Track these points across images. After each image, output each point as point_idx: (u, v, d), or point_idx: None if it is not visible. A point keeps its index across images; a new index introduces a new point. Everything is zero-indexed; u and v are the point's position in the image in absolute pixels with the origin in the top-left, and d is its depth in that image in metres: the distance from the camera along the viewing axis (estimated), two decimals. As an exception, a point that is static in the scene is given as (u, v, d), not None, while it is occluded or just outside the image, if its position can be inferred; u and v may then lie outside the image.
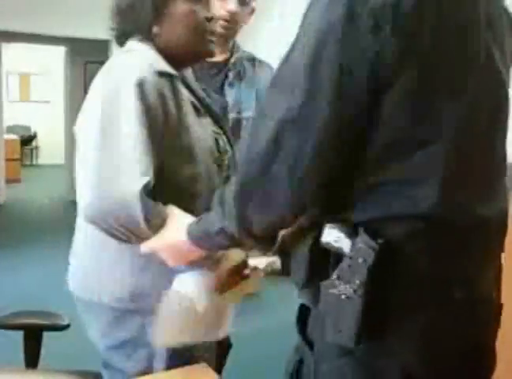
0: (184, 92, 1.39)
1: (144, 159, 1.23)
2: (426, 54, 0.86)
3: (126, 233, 1.24)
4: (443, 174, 0.91)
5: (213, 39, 1.45)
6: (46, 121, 11.27)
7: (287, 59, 0.90)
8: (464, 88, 0.92)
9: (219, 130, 1.54)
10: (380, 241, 0.90)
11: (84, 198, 1.26)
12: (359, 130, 0.89)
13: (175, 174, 1.34)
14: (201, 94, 1.56)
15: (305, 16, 0.90)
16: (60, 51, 8.80)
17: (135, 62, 1.30)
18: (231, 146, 1.56)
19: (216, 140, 1.49)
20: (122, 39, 1.43)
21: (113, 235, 1.26)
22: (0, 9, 5.74)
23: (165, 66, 1.34)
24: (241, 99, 2.02)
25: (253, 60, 2.14)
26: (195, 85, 1.55)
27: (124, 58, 1.36)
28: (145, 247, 1.24)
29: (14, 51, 9.95)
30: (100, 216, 1.23)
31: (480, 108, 0.95)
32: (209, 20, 1.43)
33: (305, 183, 0.90)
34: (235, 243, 1.07)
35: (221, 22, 1.99)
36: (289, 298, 1.22)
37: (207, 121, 1.48)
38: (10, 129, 10.37)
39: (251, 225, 0.97)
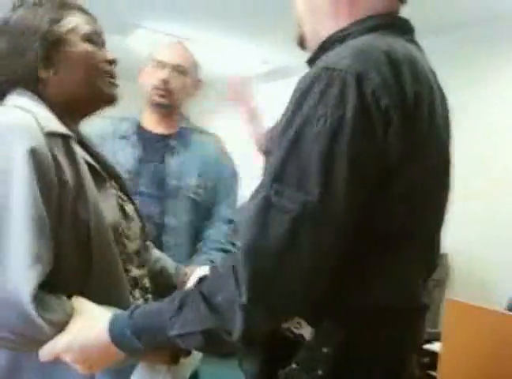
0: (81, 154, 1.16)
1: (37, 243, 0.99)
2: (422, 149, 0.93)
3: (22, 340, 0.99)
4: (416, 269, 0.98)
5: (115, 82, 1.26)
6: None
7: (290, 150, 0.87)
8: (437, 188, 1.02)
9: (124, 197, 1.33)
10: (345, 329, 0.90)
11: None
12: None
13: (70, 256, 1.08)
14: (102, 155, 1.33)
15: (298, 103, 0.90)
16: None
17: (22, 123, 1.06)
18: (139, 215, 1.37)
19: (123, 210, 1.28)
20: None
21: (3, 345, 1.02)
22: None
23: (58, 125, 1.12)
24: (183, 167, 2.05)
25: (199, 131, 2.20)
26: (93, 145, 1.33)
27: (7, 117, 1.09)
28: (45, 352, 1.00)
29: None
30: None
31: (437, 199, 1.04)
32: (111, 62, 1.26)
33: (322, 276, 0.88)
34: (197, 348, 0.95)
35: (156, 90, 2.07)
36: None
37: (110, 188, 1.25)
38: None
39: (258, 325, 0.89)
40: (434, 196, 1.01)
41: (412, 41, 1.05)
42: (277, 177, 0.87)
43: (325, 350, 0.89)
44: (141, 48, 4.66)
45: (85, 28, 1.22)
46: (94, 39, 1.24)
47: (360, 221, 0.89)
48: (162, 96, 2.05)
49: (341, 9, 1.04)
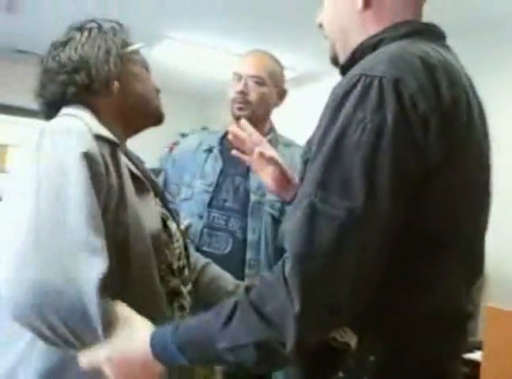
0: (125, 162, 1.22)
1: (98, 239, 1.02)
2: (461, 153, 0.92)
3: (67, 335, 0.98)
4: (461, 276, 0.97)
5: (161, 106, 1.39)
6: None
7: (333, 157, 0.88)
8: (476, 196, 1.00)
9: (166, 212, 1.35)
10: (391, 337, 0.90)
11: (15, 281, 0.97)
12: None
13: (110, 259, 1.07)
14: (146, 169, 1.39)
15: (336, 109, 0.90)
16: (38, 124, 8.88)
17: (73, 126, 1.14)
18: (181, 232, 1.39)
19: (164, 222, 1.30)
20: (54, 105, 1.30)
21: (43, 336, 1.00)
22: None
23: (105, 131, 1.20)
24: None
25: (288, 145, 2.13)
26: (140, 161, 1.39)
27: (59, 123, 1.18)
28: (86, 360, 1.00)
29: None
30: (33, 309, 0.96)
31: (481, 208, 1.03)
32: (158, 91, 1.40)
33: (370, 282, 0.88)
34: (250, 363, 0.91)
35: (234, 103, 2.05)
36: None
37: (152, 199, 1.28)
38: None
39: (312, 335, 0.88)
40: (474, 201, 0.99)
41: (444, 46, 1.05)
42: (321, 184, 0.87)
43: (371, 358, 0.89)
44: (168, 59, 4.70)
45: (142, 57, 1.37)
46: (148, 67, 1.39)
47: (404, 227, 0.88)
48: (240, 109, 2.03)
49: (368, 19, 1.05)
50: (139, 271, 1.14)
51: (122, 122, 1.30)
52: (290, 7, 3.57)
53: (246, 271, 1.95)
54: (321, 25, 1.14)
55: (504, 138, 3.36)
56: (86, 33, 1.31)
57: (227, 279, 1.63)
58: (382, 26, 1.04)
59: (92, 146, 1.11)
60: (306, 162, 0.99)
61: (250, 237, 1.97)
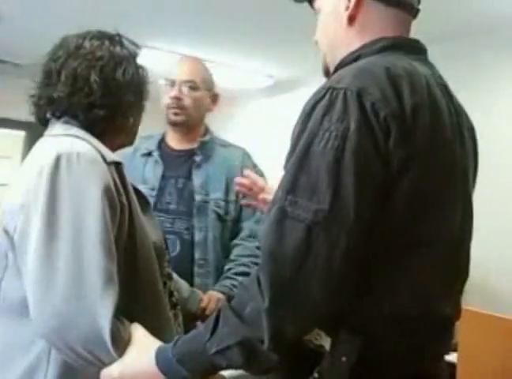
0: (129, 179, 1.26)
1: (111, 267, 1.08)
2: (425, 157, 0.96)
3: (86, 355, 1.05)
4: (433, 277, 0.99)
5: None
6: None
7: (301, 164, 0.94)
8: (448, 198, 1.03)
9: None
10: (362, 338, 0.92)
11: (39, 309, 1.05)
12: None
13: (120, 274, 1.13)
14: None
15: (304, 120, 0.97)
16: (19, 135, 8.82)
17: (90, 156, 1.14)
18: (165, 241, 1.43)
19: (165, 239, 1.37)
20: (46, 116, 1.27)
21: (65, 355, 1.07)
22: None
23: (111, 154, 1.22)
24: (208, 182, 2.04)
25: (225, 145, 2.18)
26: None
27: (75, 148, 1.15)
28: (103, 376, 1.08)
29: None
30: (56, 332, 1.04)
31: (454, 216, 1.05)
32: None
33: (338, 282, 0.91)
34: (237, 363, 0.96)
35: (170, 109, 2.07)
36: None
37: (151, 210, 1.35)
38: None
39: (284, 330, 0.92)
40: (446, 204, 1.03)
41: (422, 59, 1.11)
42: (290, 189, 0.93)
43: (344, 359, 0.92)
44: (149, 68, 4.71)
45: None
46: None
47: (370, 229, 0.93)
48: (176, 114, 2.06)
49: (352, 36, 1.12)
50: (146, 282, 1.21)
51: (114, 142, 1.32)
52: (268, 15, 3.61)
53: (195, 270, 1.96)
54: (316, 42, 1.22)
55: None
56: (132, 60, 1.31)
57: (182, 287, 1.71)
58: (364, 42, 1.10)
59: (107, 175, 1.14)
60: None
61: (197, 236, 1.99)
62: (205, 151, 2.10)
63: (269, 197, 1.47)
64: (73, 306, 1.03)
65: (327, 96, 0.95)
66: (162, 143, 2.14)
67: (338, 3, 1.12)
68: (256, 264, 1.97)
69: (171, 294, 1.34)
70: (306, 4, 1.25)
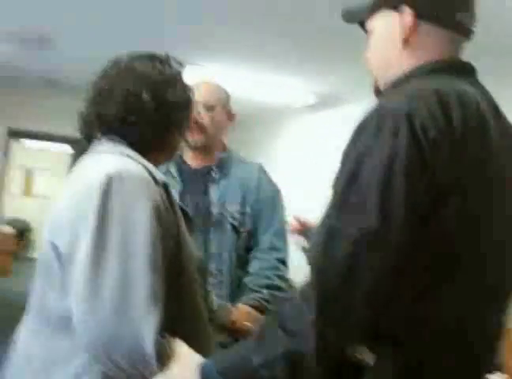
0: (175, 198, 1.28)
1: (157, 284, 1.09)
2: (470, 179, 0.98)
3: (130, 370, 1.07)
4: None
5: None
6: (44, 217, 11.22)
7: (350, 182, 0.95)
8: (495, 218, 1.03)
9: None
10: (408, 353, 0.94)
11: (85, 324, 1.07)
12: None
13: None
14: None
15: (354, 140, 0.99)
16: (66, 151, 9.11)
17: (142, 177, 1.16)
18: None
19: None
20: (92, 131, 1.30)
21: (109, 369, 1.09)
22: (12, 110, 6.10)
23: (160, 174, 1.24)
24: (226, 195, 2.07)
25: (242, 161, 2.21)
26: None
27: (127, 168, 1.16)
28: None
29: (22, 148, 10.27)
30: (101, 347, 1.05)
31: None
32: None
33: (383, 298, 0.93)
34: (281, 376, 0.96)
35: (189, 132, 2.06)
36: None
37: (195, 229, 1.39)
38: (8, 222, 10.44)
39: (329, 343, 0.94)
40: (494, 223, 1.03)
41: (472, 81, 1.11)
42: (340, 205, 0.96)
43: (388, 374, 0.94)
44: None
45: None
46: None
47: (417, 246, 0.94)
48: (195, 136, 2.08)
49: (405, 57, 1.13)
50: (189, 299, 1.23)
51: (157, 159, 1.33)
52: (314, 35, 3.64)
53: (210, 280, 1.96)
54: (367, 61, 1.23)
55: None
56: (180, 79, 1.34)
57: (211, 299, 1.68)
58: (416, 64, 1.11)
59: (157, 194, 1.16)
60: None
61: (214, 248, 2.03)
62: (222, 168, 2.14)
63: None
64: (119, 322, 1.04)
65: (378, 116, 0.97)
66: (179, 160, 2.18)
67: (393, 25, 1.14)
68: (278, 276, 2.00)
69: (209, 311, 1.37)
70: (352, 23, 1.27)
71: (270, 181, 2.18)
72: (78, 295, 1.07)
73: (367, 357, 0.95)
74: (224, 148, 2.21)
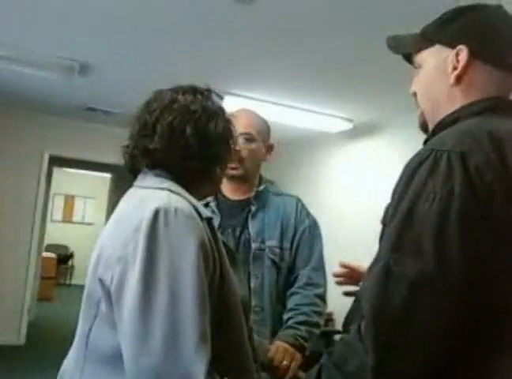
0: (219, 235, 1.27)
1: (205, 323, 1.08)
2: None
3: None
4: None
5: None
6: (84, 242, 11.45)
7: (405, 224, 0.96)
8: None
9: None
10: None
11: (136, 364, 1.06)
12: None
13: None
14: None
15: (408, 179, 0.99)
16: (105, 177, 9.29)
17: (188, 212, 1.15)
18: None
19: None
20: (136, 166, 1.31)
21: None
22: (54, 138, 6.26)
23: (204, 209, 1.24)
24: (264, 230, 2.06)
25: (279, 194, 2.21)
26: None
27: (173, 204, 1.15)
28: None
29: (63, 175, 10.52)
30: None
31: None
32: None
33: (441, 341, 0.93)
34: None
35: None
36: None
37: (239, 264, 1.36)
38: (49, 248, 10.65)
39: None
40: None
41: None
42: (395, 247, 0.95)
43: None
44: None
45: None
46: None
47: (472, 292, 0.92)
48: (234, 168, 2.08)
49: (457, 95, 1.13)
50: (235, 337, 1.22)
51: (200, 193, 1.34)
52: (347, 61, 3.65)
53: (252, 317, 1.97)
54: (414, 94, 1.23)
55: None
56: (221, 113, 1.34)
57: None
58: (467, 102, 1.11)
59: (202, 230, 1.15)
60: (384, 225, 1.07)
61: (254, 283, 2.00)
62: (260, 201, 2.13)
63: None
64: (169, 361, 1.03)
65: (431, 158, 0.97)
66: (218, 193, 2.17)
67: (445, 62, 1.14)
68: (315, 312, 1.97)
69: (252, 349, 1.34)
70: (386, 54, 1.26)
71: (308, 214, 2.17)
72: (127, 333, 1.07)
73: None
74: (261, 180, 2.21)
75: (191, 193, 1.24)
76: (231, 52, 3.66)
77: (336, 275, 1.57)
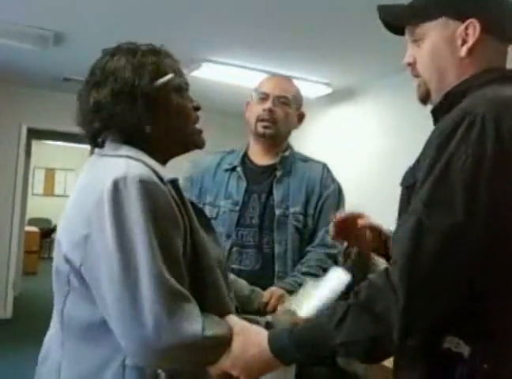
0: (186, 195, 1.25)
1: (184, 284, 1.11)
2: None
3: (189, 365, 1.13)
4: None
5: (200, 128, 1.34)
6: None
7: (439, 181, 1.03)
8: None
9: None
10: (502, 347, 1.02)
11: (131, 337, 1.05)
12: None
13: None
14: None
15: (443, 143, 1.04)
16: (85, 149, 9.20)
17: (149, 178, 1.12)
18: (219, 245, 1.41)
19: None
20: (97, 138, 1.28)
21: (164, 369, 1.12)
22: (31, 111, 6.16)
23: (167, 172, 1.20)
24: (289, 196, 2.10)
25: (305, 160, 2.23)
26: None
27: (133, 171, 1.12)
28: (215, 369, 1.16)
29: (42, 149, 10.40)
30: (157, 354, 1.06)
31: None
32: (196, 109, 1.33)
33: (467, 285, 1.01)
34: (359, 356, 1.08)
35: (261, 122, 2.13)
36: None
37: (210, 224, 1.36)
38: (31, 222, 10.60)
39: (415, 328, 1.03)
40: None
41: None
42: (428, 203, 1.03)
43: (484, 366, 1.00)
44: (208, 79, 4.83)
45: (176, 81, 1.28)
46: (183, 88, 1.31)
47: (502, 241, 1.01)
48: (266, 127, 2.11)
49: (466, 65, 1.18)
50: (213, 294, 1.22)
51: (161, 152, 1.27)
52: (325, 25, 3.63)
53: (275, 282, 2.00)
54: (409, 64, 1.26)
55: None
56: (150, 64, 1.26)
57: (243, 285, 1.75)
58: (474, 72, 1.17)
59: (168, 195, 1.13)
60: (407, 187, 1.17)
61: (277, 249, 2.04)
62: (286, 166, 2.15)
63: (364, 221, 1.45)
64: (164, 324, 1.04)
65: (465, 122, 1.03)
66: (245, 157, 2.20)
67: (454, 34, 1.17)
68: (321, 267, 2.00)
69: (238, 298, 1.39)
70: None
71: (333, 180, 2.20)
72: (116, 308, 1.06)
73: (463, 349, 1.02)
74: (288, 147, 2.24)
75: (155, 157, 1.21)
76: (206, 18, 3.63)
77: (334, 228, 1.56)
